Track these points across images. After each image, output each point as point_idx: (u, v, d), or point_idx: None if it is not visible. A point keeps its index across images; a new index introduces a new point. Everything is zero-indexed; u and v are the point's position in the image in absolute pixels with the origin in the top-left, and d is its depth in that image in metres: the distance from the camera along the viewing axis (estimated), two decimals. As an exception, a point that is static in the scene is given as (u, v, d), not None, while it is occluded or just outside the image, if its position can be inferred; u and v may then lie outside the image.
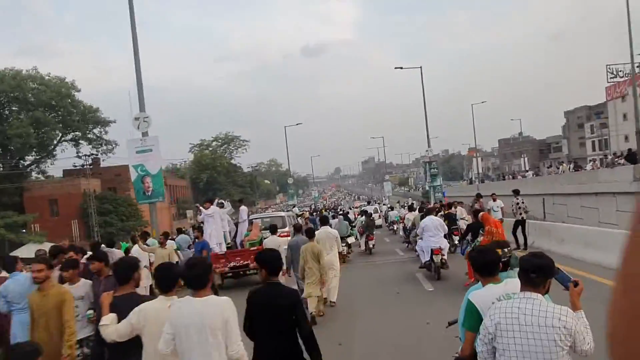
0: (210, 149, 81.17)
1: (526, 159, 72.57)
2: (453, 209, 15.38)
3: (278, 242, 10.23)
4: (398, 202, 48.14)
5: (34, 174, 43.78)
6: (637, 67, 23.79)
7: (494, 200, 15.33)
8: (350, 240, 16.50)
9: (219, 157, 77.13)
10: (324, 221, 11.08)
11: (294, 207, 35.46)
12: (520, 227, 13.64)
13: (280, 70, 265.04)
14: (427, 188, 32.69)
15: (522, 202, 13.98)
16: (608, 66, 29.43)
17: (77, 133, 42.90)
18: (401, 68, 28.44)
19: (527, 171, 56.91)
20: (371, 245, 16.90)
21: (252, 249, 12.01)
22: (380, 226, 26.86)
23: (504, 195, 18.24)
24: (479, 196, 14.63)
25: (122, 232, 39.01)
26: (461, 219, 14.46)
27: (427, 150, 29.79)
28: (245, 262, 11.72)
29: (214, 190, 75.19)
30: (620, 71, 29.29)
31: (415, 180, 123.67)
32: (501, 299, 2.71)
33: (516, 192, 14.61)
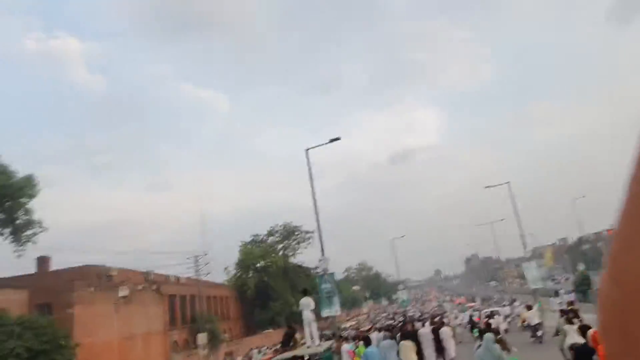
0: (268, 247, 61.72)
1: None
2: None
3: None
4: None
5: None
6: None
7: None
8: None
9: (271, 252, 57.48)
10: None
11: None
12: None
13: (368, 179, 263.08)
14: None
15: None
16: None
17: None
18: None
19: None
20: None
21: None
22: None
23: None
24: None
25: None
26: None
27: None
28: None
29: (266, 299, 54.35)
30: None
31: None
32: None
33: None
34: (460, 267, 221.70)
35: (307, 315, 10.19)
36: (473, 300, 61.06)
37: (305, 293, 11.25)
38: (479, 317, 27.69)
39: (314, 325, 10.42)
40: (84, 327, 25.92)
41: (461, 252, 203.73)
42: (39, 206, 26.88)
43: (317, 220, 18.73)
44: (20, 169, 26.89)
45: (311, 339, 10.11)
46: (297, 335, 10.93)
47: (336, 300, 17.34)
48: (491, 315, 25.98)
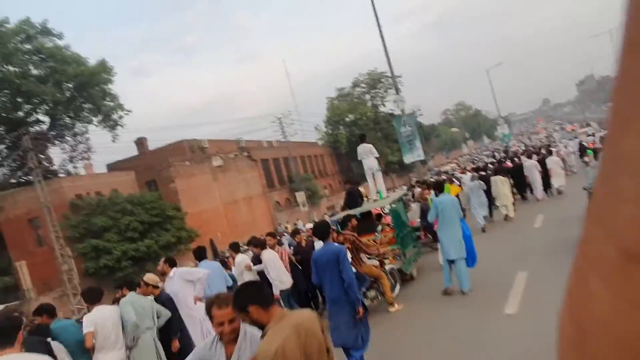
0: (355, 99, 60.12)
1: None
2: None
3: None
4: None
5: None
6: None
7: None
8: None
9: (358, 104, 55.93)
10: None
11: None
12: None
13: (460, 12, 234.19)
14: None
15: None
16: None
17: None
18: None
19: None
20: None
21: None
22: None
23: None
24: None
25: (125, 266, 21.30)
26: None
27: None
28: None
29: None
30: None
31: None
32: None
33: None
34: (572, 91, 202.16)
35: (369, 163, 8.72)
36: (588, 126, 55.52)
37: (362, 139, 9.61)
38: (593, 143, 24.56)
39: (379, 175, 9.02)
40: (188, 197, 27.79)
41: (572, 74, 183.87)
42: (139, 95, 27.51)
43: (386, 52, 15.95)
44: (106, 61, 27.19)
45: (376, 190, 8.85)
46: (363, 190, 9.59)
47: (418, 144, 15.50)
48: (607, 137, 22.68)
